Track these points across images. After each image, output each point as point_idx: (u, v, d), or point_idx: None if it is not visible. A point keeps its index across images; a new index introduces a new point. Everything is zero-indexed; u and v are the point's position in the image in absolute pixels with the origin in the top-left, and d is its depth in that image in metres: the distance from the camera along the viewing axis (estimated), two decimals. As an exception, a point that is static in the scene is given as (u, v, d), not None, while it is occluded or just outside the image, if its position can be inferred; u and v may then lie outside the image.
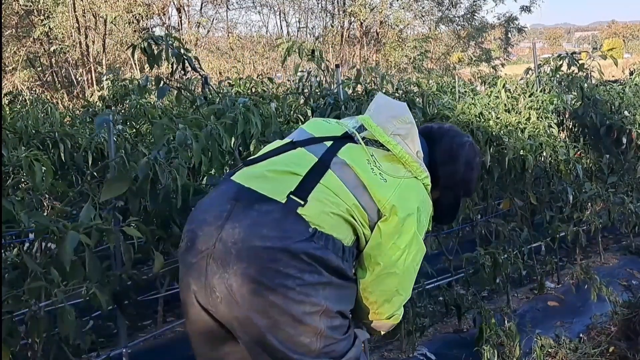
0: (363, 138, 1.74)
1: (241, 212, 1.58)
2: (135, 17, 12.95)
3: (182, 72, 2.45)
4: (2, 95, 6.67)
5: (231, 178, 1.70)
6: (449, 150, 1.90)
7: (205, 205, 1.68)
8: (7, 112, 4.44)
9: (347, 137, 1.76)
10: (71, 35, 12.33)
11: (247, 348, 1.60)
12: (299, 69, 3.29)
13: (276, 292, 1.51)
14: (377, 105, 1.86)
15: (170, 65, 2.41)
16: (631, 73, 6.07)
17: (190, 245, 1.61)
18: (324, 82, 3.31)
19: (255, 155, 1.78)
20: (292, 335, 1.54)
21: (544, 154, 3.58)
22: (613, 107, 4.51)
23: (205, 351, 1.71)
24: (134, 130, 3.84)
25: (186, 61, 2.40)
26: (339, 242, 1.60)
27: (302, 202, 1.58)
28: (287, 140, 1.80)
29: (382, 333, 1.90)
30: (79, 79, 12.49)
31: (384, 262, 1.67)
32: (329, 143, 1.74)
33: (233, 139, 2.48)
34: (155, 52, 2.33)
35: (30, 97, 5.72)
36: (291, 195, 1.59)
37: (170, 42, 2.35)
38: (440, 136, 1.92)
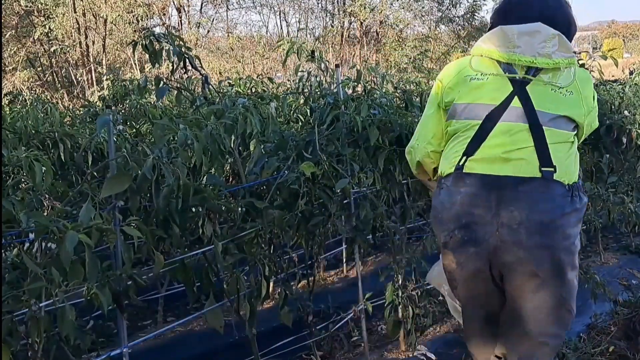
0: (528, 71, 1.96)
1: (510, 197, 1.85)
2: (136, 18, 12.94)
3: (183, 71, 2.45)
4: (2, 95, 6.67)
5: (469, 172, 1.92)
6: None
7: (461, 201, 1.91)
8: (7, 112, 4.44)
9: (519, 82, 1.95)
10: (71, 36, 12.32)
11: (538, 295, 1.90)
12: (299, 69, 3.29)
13: (566, 251, 1.87)
14: (519, 39, 1.98)
15: (170, 65, 2.41)
16: (631, 73, 6.07)
17: (467, 238, 1.89)
18: (324, 82, 3.30)
19: (464, 145, 1.96)
20: (571, 281, 1.91)
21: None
22: (613, 107, 4.50)
23: (483, 310, 2.04)
24: (134, 130, 3.84)
25: (187, 60, 2.40)
26: (579, 180, 1.93)
27: (553, 169, 1.87)
28: (472, 122, 1.96)
29: None
30: (79, 79, 12.48)
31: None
32: (517, 104, 1.93)
33: (233, 139, 2.48)
34: (157, 49, 2.33)
35: (30, 97, 5.72)
36: (542, 168, 1.86)
37: (172, 40, 2.35)
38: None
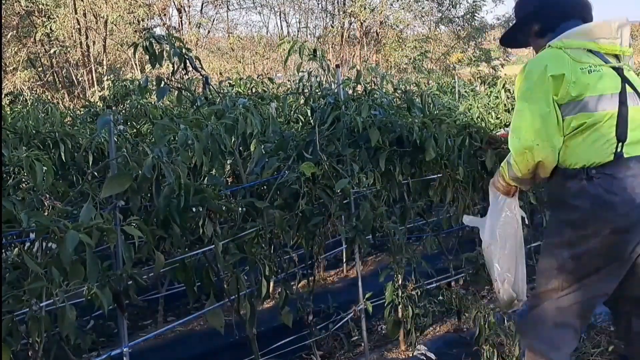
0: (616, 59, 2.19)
1: None
2: (136, 18, 12.95)
3: (184, 72, 2.45)
4: (3, 95, 6.68)
5: (629, 156, 2.08)
6: None
7: (632, 184, 2.07)
8: (8, 112, 4.44)
9: (618, 70, 2.16)
10: (72, 36, 12.33)
11: None
12: (300, 69, 3.30)
13: None
14: (618, 30, 2.18)
15: (170, 66, 2.41)
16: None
17: None
18: (324, 82, 3.31)
19: (610, 134, 2.10)
20: None
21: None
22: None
23: (599, 296, 2.20)
24: (135, 130, 3.85)
25: (187, 61, 2.40)
26: None
27: None
28: (609, 111, 2.11)
29: None
30: (80, 79, 12.49)
31: None
32: (630, 89, 2.14)
33: (233, 139, 2.48)
34: (157, 51, 2.34)
35: (31, 98, 5.73)
36: None
37: (172, 41, 2.36)
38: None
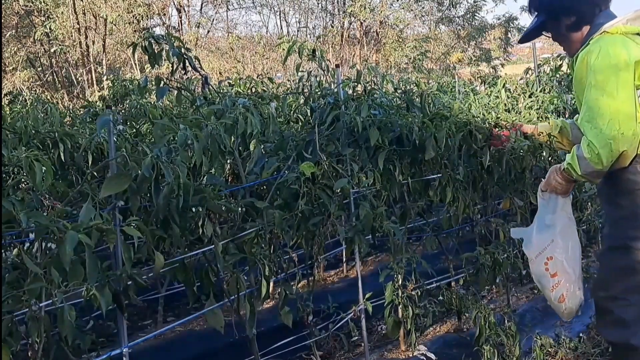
0: None
1: None
2: (136, 17, 12.94)
3: (183, 72, 2.44)
4: (2, 95, 6.67)
5: None
6: None
7: None
8: (7, 112, 4.44)
9: None
10: (71, 36, 12.31)
11: None
12: (300, 69, 3.29)
13: None
14: None
15: (170, 65, 2.41)
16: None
17: None
18: (324, 82, 3.30)
19: None
20: None
21: (544, 153, 3.57)
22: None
23: None
24: (134, 130, 3.84)
25: (187, 61, 2.40)
26: None
27: None
28: None
29: None
30: (79, 79, 12.47)
31: None
32: None
33: (233, 139, 2.48)
34: (156, 51, 2.33)
35: (30, 97, 5.73)
36: None
37: (171, 41, 2.35)
38: None
